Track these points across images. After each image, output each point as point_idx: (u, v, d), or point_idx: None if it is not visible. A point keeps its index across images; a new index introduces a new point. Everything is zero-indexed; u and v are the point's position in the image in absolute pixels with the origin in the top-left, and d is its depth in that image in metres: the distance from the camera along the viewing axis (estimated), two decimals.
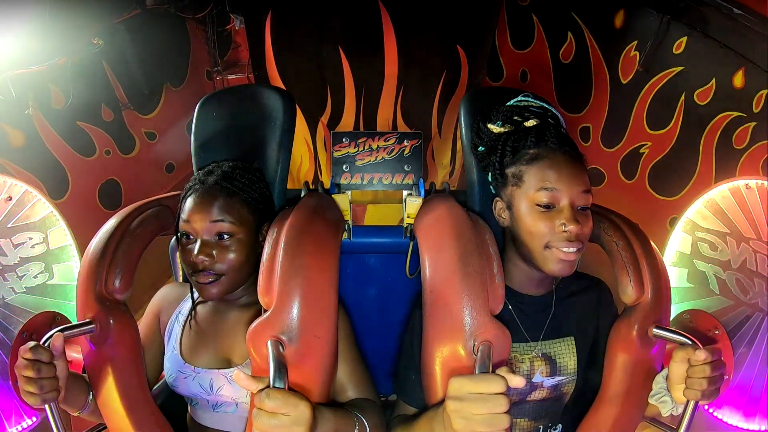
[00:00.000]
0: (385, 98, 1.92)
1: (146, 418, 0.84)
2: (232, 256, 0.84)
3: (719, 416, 1.05)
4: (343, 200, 1.06)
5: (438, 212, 0.89)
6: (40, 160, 1.17)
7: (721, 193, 1.09)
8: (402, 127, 1.97)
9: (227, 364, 0.90)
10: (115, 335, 0.81)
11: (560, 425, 0.94)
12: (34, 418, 1.06)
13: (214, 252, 0.84)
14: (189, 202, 0.86)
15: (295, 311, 0.74)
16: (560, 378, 0.88)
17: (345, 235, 1.09)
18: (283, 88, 1.82)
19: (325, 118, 1.96)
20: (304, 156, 2.05)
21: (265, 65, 1.89)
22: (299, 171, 2.07)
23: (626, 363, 0.83)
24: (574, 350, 0.89)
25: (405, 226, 1.13)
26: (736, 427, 1.04)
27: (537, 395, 0.89)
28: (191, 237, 0.85)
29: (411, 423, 0.83)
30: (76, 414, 0.84)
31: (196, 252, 0.83)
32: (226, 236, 0.85)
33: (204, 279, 0.84)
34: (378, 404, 0.87)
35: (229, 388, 0.88)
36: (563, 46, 1.54)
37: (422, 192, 1.10)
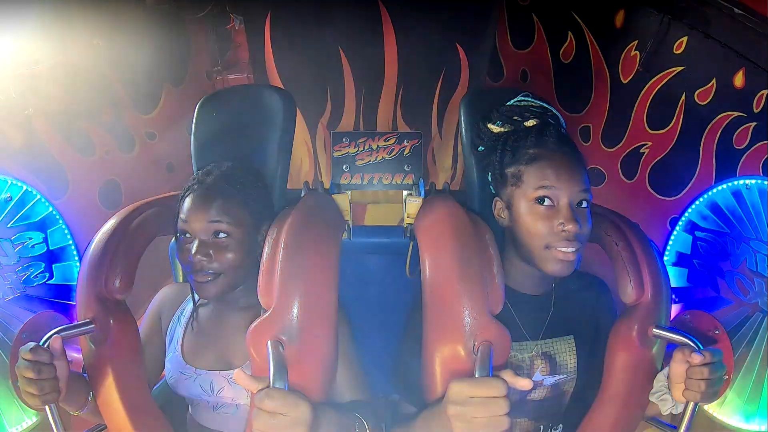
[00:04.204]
0: (385, 99, 1.92)
1: (146, 418, 0.84)
2: (229, 255, 0.85)
3: (719, 416, 1.05)
4: (343, 200, 1.06)
5: (438, 212, 0.89)
6: (40, 160, 1.16)
7: (721, 193, 1.09)
8: (402, 127, 1.97)
9: (228, 365, 0.90)
10: (115, 335, 0.81)
11: (561, 425, 0.94)
12: (34, 418, 1.06)
13: (211, 251, 0.84)
14: (187, 202, 0.86)
15: (295, 311, 0.74)
16: (560, 376, 0.89)
17: (345, 235, 1.10)
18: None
19: (324, 120, 1.96)
20: (303, 158, 2.05)
21: (265, 65, 1.89)
22: (299, 172, 2.07)
23: (626, 363, 0.83)
24: (574, 349, 0.90)
25: (405, 226, 1.13)
26: (736, 427, 1.04)
27: (537, 394, 0.89)
28: (189, 236, 0.85)
29: (410, 422, 0.83)
30: (75, 414, 0.84)
31: (193, 251, 0.83)
32: (223, 236, 0.85)
33: (202, 278, 0.84)
34: (375, 406, 0.87)
35: (230, 389, 0.88)
36: (563, 46, 1.54)
37: (422, 192, 1.10)
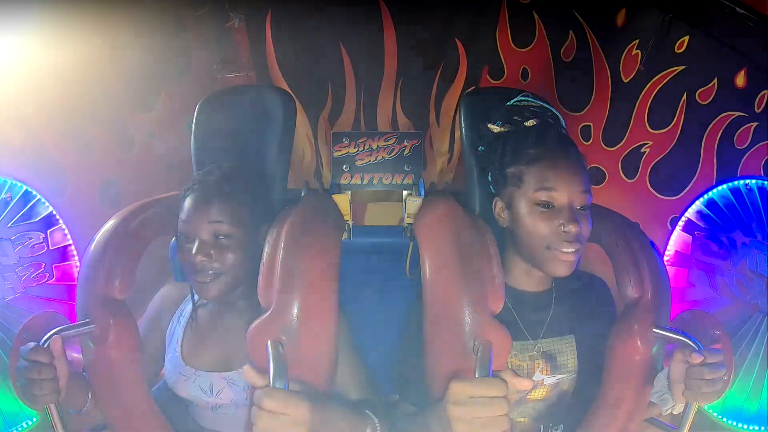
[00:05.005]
0: (385, 90, 1.94)
1: (146, 418, 0.84)
2: (230, 256, 0.85)
3: (719, 416, 1.06)
4: (343, 200, 1.06)
5: (438, 212, 0.89)
6: (40, 160, 1.16)
7: (721, 193, 1.09)
8: (401, 117, 1.98)
9: (228, 366, 0.90)
10: (115, 335, 0.81)
11: (562, 425, 0.94)
12: (35, 418, 1.06)
13: (212, 252, 0.84)
14: (188, 203, 0.86)
15: (295, 311, 0.74)
16: (561, 376, 0.88)
17: (345, 235, 1.09)
18: (285, 84, 1.82)
19: (326, 113, 1.98)
20: (306, 150, 2.06)
21: (266, 62, 1.90)
22: (301, 164, 2.08)
23: (626, 363, 0.83)
24: (575, 348, 0.90)
25: (405, 226, 1.13)
26: (736, 427, 1.04)
27: (537, 394, 0.89)
28: (189, 237, 0.85)
29: (410, 423, 0.83)
30: (76, 413, 0.84)
31: (194, 252, 0.83)
32: (223, 237, 0.85)
33: (202, 278, 0.84)
34: (384, 405, 0.87)
35: (229, 390, 0.88)
36: (564, 45, 1.54)
37: (422, 192, 1.10)
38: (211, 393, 0.89)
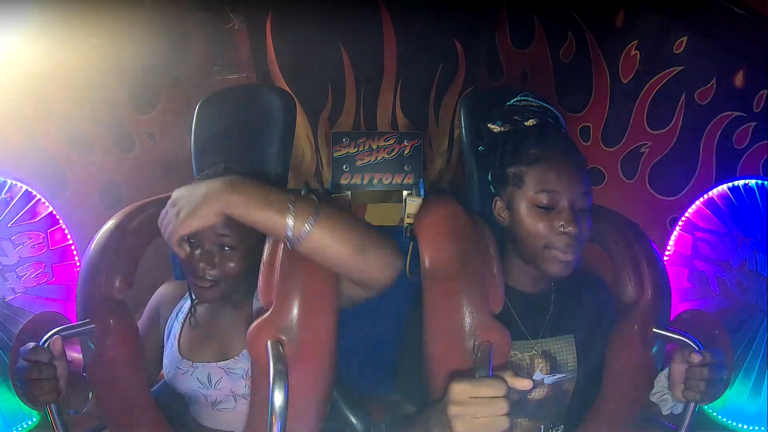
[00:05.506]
0: (385, 91, 1.94)
1: (146, 417, 0.84)
2: (232, 265, 0.85)
3: (719, 416, 1.06)
4: (343, 200, 1.06)
5: (438, 212, 0.89)
6: (40, 160, 1.17)
7: (721, 193, 1.09)
8: (401, 118, 1.99)
9: (225, 356, 0.90)
10: (115, 335, 0.81)
11: (562, 426, 0.94)
12: (35, 418, 1.06)
13: (215, 260, 0.84)
14: None
15: (295, 311, 0.74)
16: (560, 375, 0.88)
17: None
18: (285, 85, 1.83)
19: (326, 113, 1.98)
20: (306, 150, 2.07)
21: (267, 63, 1.90)
22: (301, 165, 2.09)
23: (626, 363, 0.84)
24: (574, 348, 0.89)
25: (405, 226, 1.13)
26: (736, 427, 1.04)
27: (537, 394, 0.89)
28: (193, 243, 0.85)
29: (409, 422, 0.83)
30: (75, 413, 0.84)
31: (197, 259, 0.83)
32: (228, 248, 0.85)
33: (203, 284, 0.85)
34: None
35: (228, 380, 0.88)
36: (563, 46, 1.54)
37: (422, 192, 1.10)
38: (209, 384, 0.88)
